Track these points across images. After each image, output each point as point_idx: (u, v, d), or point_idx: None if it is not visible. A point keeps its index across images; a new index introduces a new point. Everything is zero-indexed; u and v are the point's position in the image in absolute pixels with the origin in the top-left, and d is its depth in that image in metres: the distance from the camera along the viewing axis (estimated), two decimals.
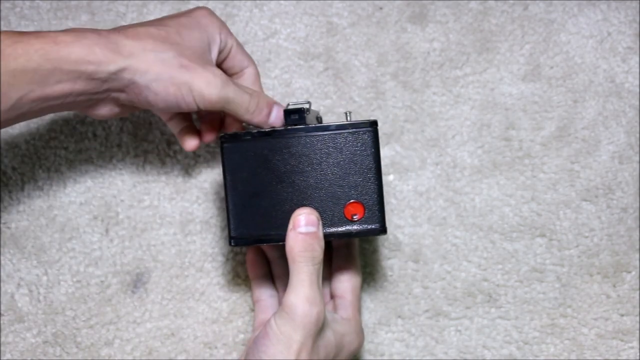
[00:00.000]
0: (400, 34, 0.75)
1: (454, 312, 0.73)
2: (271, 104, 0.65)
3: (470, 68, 0.74)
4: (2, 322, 0.72)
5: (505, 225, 0.73)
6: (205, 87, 0.61)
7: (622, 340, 0.72)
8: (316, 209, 0.61)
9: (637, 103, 0.74)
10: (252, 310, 0.72)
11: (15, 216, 0.73)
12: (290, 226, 0.60)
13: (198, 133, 0.69)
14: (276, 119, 0.65)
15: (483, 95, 0.74)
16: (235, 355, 0.72)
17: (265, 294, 0.69)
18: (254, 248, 0.70)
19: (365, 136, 0.61)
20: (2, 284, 0.72)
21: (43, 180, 0.73)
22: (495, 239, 0.73)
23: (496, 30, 0.75)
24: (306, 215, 0.60)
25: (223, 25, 0.66)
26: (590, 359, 0.72)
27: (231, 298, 0.73)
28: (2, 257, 0.73)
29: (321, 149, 0.61)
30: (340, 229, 0.61)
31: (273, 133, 0.61)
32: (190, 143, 0.68)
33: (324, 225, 0.61)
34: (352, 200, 0.61)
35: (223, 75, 0.62)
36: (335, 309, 0.66)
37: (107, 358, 0.72)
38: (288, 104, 0.64)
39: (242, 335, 0.72)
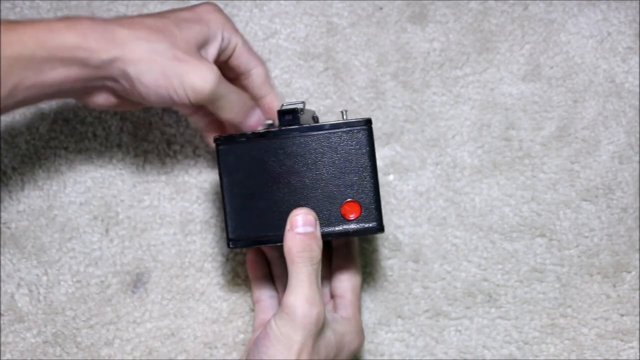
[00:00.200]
0: (400, 34, 0.75)
1: (454, 312, 0.73)
2: (254, 107, 0.65)
3: (470, 68, 0.74)
4: (2, 322, 0.72)
5: (505, 225, 0.73)
6: (199, 80, 0.60)
7: (622, 340, 0.72)
8: (313, 209, 0.61)
9: (637, 103, 0.74)
10: (252, 310, 0.72)
11: (15, 216, 0.73)
12: (287, 227, 0.60)
13: (223, 128, 0.69)
14: (254, 124, 0.65)
15: (483, 95, 0.74)
16: (235, 355, 0.72)
17: (265, 295, 0.69)
18: (253, 249, 0.70)
19: (360, 135, 0.61)
20: (2, 284, 0.72)
21: (43, 180, 0.73)
22: (495, 239, 0.73)
23: (496, 30, 0.75)
24: (303, 216, 0.60)
25: (227, 22, 0.65)
26: (590, 359, 0.72)
27: (231, 298, 0.73)
28: (2, 257, 0.73)
29: (316, 149, 0.61)
30: (337, 228, 0.61)
31: (268, 134, 0.61)
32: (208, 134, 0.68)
33: (322, 225, 0.61)
34: (348, 199, 0.61)
35: (218, 71, 0.61)
36: (335, 308, 0.66)
37: (107, 358, 0.72)
38: (282, 105, 0.64)
39: (242, 335, 0.72)
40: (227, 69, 0.67)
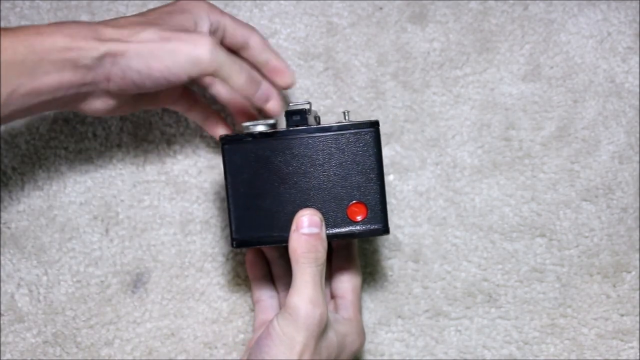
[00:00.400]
0: (400, 34, 0.75)
1: (454, 312, 0.73)
2: (260, 81, 0.65)
3: (470, 68, 0.74)
4: (2, 322, 0.72)
5: (505, 225, 0.73)
6: (194, 48, 0.60)
7: (622, 340, 0.72)
8: (319, 210, 0.61)
9: (637, 103, 0.74)
10: (252, 310, 0.72)
11: (15, 216, 0.73)
12: (293, 227, 0.60)
13: (224, 120, 0.68)
14: (263, 94, 0.64)
15: (483, 95, 0.74)
16: (235, 355, 0.72)
17: (265, 295, 0.69)
18: (253, 249, 0.70)
19: (367, 136, 0.61)
20: (2, 284, 0.72)
21: (43, 180, 0.73)
22: (495, 239, 0.73)
23: (496, 30, 0.75)
24: (309, 217, 0.60)
25: (211, 7, 0.65)
26: (590, 359, 0.72)
27: (231, 298, 0.73)
28: (2, 257, 0.73)
29: (323, 150, 0.61)
30: (343, 229, 0.61)
31: (275, 134, 0.61)
32: (219, 129, 0.68)
33: (327, 226, 0.61)
34: (354, 201, 0.61)
35: (213, 39, 0.61)
36: (336, 309, 0.66)
37: (107, 358, 0.72)
38: (288, 105, 0.64)
39: (242, 335, 0.72)
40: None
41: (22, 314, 0.72)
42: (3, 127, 0.73)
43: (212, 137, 0.74)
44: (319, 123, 0.68)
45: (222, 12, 0.66)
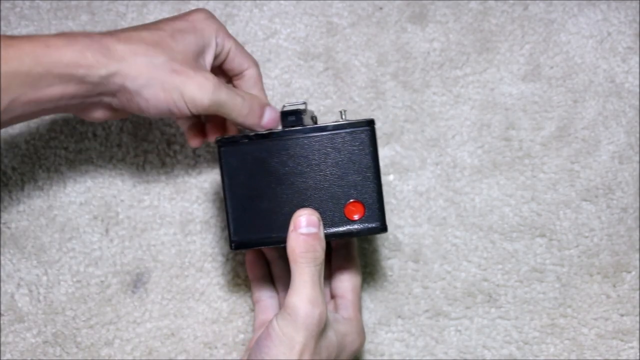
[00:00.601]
0: (400, 34, 0.75)
1: (454, 312, 0.73)
2: (264, 106, 0.65)
3: (470, 68, 0.74)
4: (2, 322, 0.72)
5: (505, 225, 0.73)
6: (197, 91, 0.60)
7: (622, 340, 0.72)
8: (316, 209, 0.61)
9: (637, 103, 0.74)
10: (252, 310, 0.72)
11: (15, 216, 0.73)
12: (291, 227, 0.60)
13: (204, 131, 0.69)
14: (269, 120, 0.65)
15: (483, 95, 0.74)
16: (235, 355, 0.72)
17: (265, 295, 0.69)
18: (253, 249, 0.70)
19: (363, 135, 0.61)
20: (2, 284, 0.72)
21: (43, 180, 0.73)
22: (495, 239, 0.73)
23: (496, 30, 0.75)
24: (307, 216, 0.60)
25: (220, 28, 0.65)
26: (590, 359, 0.72)
27: (231, 298, 0.73)
28: (2, 257, 0.73)
29: (319, 150, 0.61)
30: (341, 228, 0.61)
31: (270, 135, 0.61)
32: (195, 141, 0.68)
33: (325, 225, 0.61)
34: (352, 200, 0.61)
35: (215, 79, 0.62)
36: (336, 309, 0.66)
37: (107, 358, 0.72)
38: (284, 105, 0.64)
39: (242, 335, 0.72)
40: (220, 73, 0.67)
41: (22, 314, 0.72)
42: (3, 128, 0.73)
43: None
44: (315, 122, 0.68)
45: (229, 35, 0.66)
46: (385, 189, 0.72)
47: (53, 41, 0.57)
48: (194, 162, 0.74)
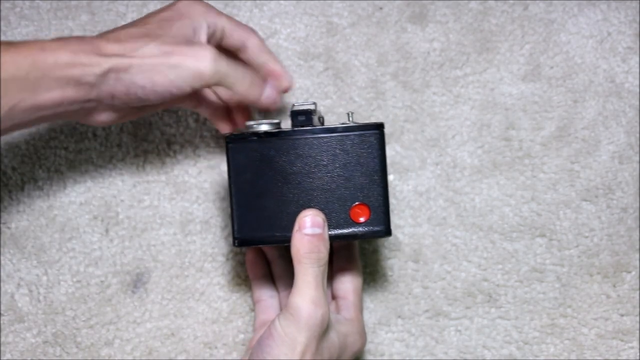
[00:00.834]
0: (400, 34, 0.75)
1: (454, 312, 0.73)
2: (266, 82, 0.65)
3: (470, 68, 0.74)
4: (2, 322, 0.72)
5: (505, 225, 0.73)
6: (196, 62, 0.60)
7: (622, 340, 0.72)
8: (322, 210, 0.61)
9: (637, 103, 0.74)
10: (252, 310, 0.72)
11: (15, 216, 0.73)
12: (295, 227, 0.60)
13: (230, 116, 0.69)
14: (268, 95, 0.65)
15: (483, 95, 0.74)
16: (235, 355, 0.72)
17: (265, 294, 0.69)
18: (253, 248, 0.70)
19: (372, 138, 0.61)
20: (2, 284, 0.72)
21: (43, 180, 0.73)
22: (495, 239, 0.73)
23: (496, 30, 0.75)
24: (312, 217, 0.60)
25: (208, 8, 0.65)
26: (590, 359, 0.72)
27: (231, 298, 0.73)
28: (2, 257, 0.73)
29: (328, 151, 0.61)
30: (345, 230, 0.61)
31: (280, 134, 0.62)
32: (224, 126, 0.68)
33: (330, 226, 0.61)
34: (357, 202, 0.61)
35: (214, 50, 0.61)
36: (337, 309, 0.66)
37: (107, 358, 0.72)
38: (293, 105, 0.64)
39: (242, 335, 0.72)
40: (224, 53, 0.67)
41: (22, 314, 0.72)
42: None
43: (212, 137, 0.74)
44: (322, 124, 0.68)
45: (219, 13, 0.66)
46: (388, 191, 0.72)
47: (48, 45, 0.58)
48: (194, 162, 0.74)
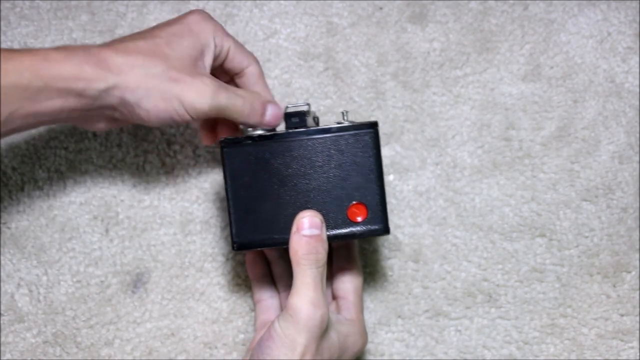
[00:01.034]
0: (400, 34, 0.75)
1: (454, 312, 0.73)
2: (265, 103, 0.65)
3: (470, 68, 0.74)
4: (2, 322, 0.72)
5: (505, 225, 0.73)
6: (196, 97, 0.61)
7: (622, 340, 0.72)
8: (319, 211, 0.61)
9: (637, 103, 0.74)
10: (252, 310, 0.72)
11: (15, 216, 0.73)
12: (293, 229, 0.60)
13: (216, 129, 0.69)
14: (271, 117, 0.65)
15: (483, 95, 0.74)
16: (235, 355, 0.72)
17: (265, 295, 0.69)
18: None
19: (367, 137, 0.61)
20: (2, 284, 0.72)
21: (43, 180, 0.73)
22: (495, 239, 0.73)
23: (496, 30, 0.75)
24: (309, 218, 0.60)
25: (217, 28, 0.65)
26: (590, 359, 0.72)
27: (231, 298, 0.73)
28: (2, 257, 0.73)
29: (323, 152, 0.61)
30: (343, 230, 0.61)
31: (274, 137, 0.62)
32: (208, 139, 0.69)
33: (328, 227, 0.61)
34: (354, 202, 0.61)
35: (214, 84, 0.62)
36: (338, 310, 0.66)
37: (107, 358, 0.72)
38: (287, 106, 0.64)
39: (242, 335, 0.72)
40: (221, 73, 0.67)
41: (22, 314, 0.72)
42: None
43: None
44: (317, 124, 0.68)
45: (226, 34, 0.66)
46: (385, 189, 0.72)
47: (52, 55, 0.58)
48: (194, 162, 0.74)
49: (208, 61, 0.64)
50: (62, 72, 0.57)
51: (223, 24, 0.67)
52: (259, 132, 0.63)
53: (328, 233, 0.61)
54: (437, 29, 0.75)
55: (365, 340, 0.66)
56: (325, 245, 0.60)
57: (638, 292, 0.73)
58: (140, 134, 0.74)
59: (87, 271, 0.73)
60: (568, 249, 0.73)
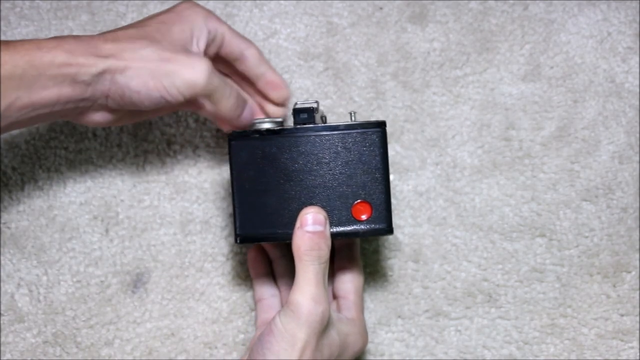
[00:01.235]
0: (400, 34, 0.75)
1: (454, 312, 0.73)
2: (245, 102, 0.66)
3: (470, 68, 0.74)
4: (2, 322, 0.72)
5: (505, 225, 0.73)
6: (191, 73, 0.60)
7: (622, 340, 0.72)
8: (324, 208, 0.61)
9: (637, 103, 0.74)
10: (253, 310, 0.72)
11: (15, 216, 0.73)
12: (297, 225, 0.60)
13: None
14: (245, 117, 0.65)
15: (483, 95, 0.74)
16: (235, 355, 0.72)
17: (267, 293, 0.69)
18: (255, 247, 0.70)
19: (374, 136, 0.61)
20: (2, 284, 0.72)
21: (43, 180, 0.73)
22: (495, 239, 0.73)
23: (496, 30, 0.75)
24: (314, 214, 0.60)
25: (209, 14, 0.65)
26: (590, 359, 0.72)
27: (231, 298, 0.73)
28: (2, 257, 0.73)
29: (330, 149, 0.61)
30: (347, 228, 0.62)
31: (282, 131, 0.62)
32: (226, 125, 0.68)
33: (331, 224, 0.61)
34: (359, 200, 0.61)
35: (210, 64, 0.62)
36: (338, 309, 0.66)
37: (107, 358, 0.72)
38: (296, 103, 0.64)
39: (242, 335, 0.72)
40: (219, 63, 0.67)
41: (22, 314, 0.72)
42: None
43: (212, 137, 0.74)
44: (325, 123, 0.68)
45: (220, 20, 0.66)
46: (390, 189, 0.72)
47: (44, 43, 0.58)
48: (194, 162, 0.74)
49: (202, 45, 0.64)
50: (55, 59, 0.58)
51: (211, 11, 0.67)
52: (267, 126, 0.63)
53: (331, 230, 0.61)
54: (437, 29, 0.75)
55: (365, 340, 0.66)
56: (328, 242, 0.60)
57: (638, 292, 0.73)
58: (140, 134, 0.74)
59: (87, 271, 0.73)
60: (568, 249, 0.73)
